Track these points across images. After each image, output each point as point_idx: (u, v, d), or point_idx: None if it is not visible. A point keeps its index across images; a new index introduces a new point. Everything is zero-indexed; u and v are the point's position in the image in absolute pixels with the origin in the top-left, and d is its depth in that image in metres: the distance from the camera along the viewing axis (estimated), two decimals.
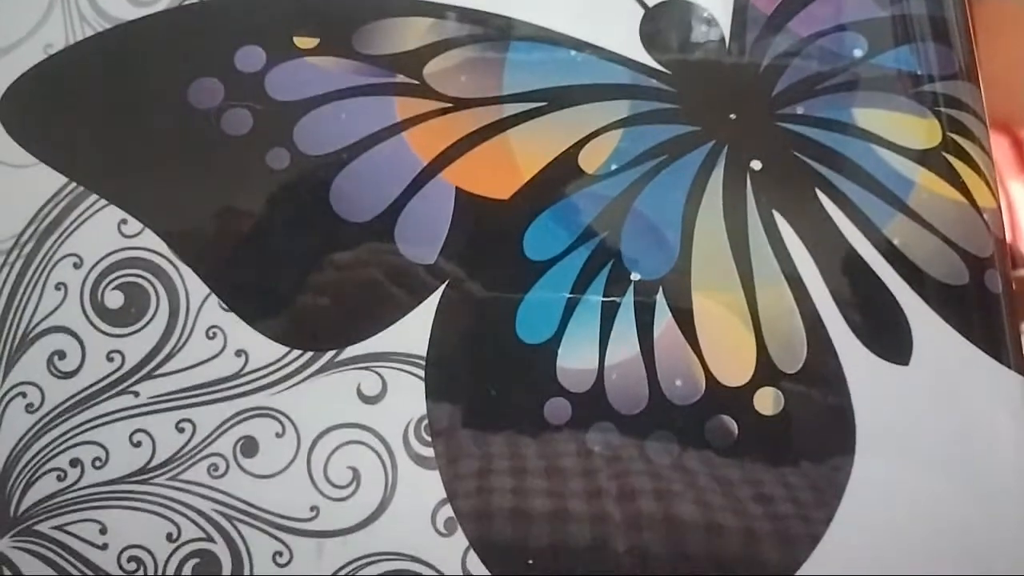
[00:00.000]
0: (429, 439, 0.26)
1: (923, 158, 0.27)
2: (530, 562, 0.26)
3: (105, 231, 0.27)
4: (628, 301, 0.27)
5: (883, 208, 0.27)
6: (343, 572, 0.26)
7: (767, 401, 0.26)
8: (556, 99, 0.27)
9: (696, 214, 0.27)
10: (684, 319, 0.26)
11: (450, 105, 0.27)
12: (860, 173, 0.27)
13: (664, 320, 0.26)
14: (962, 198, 0.27)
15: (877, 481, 0.26)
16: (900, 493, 0.26)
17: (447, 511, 0.26)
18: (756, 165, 0.27)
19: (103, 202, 0.27)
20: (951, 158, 0.27)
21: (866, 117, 0.27)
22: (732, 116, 0.28)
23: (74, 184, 0.27)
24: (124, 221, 0.27)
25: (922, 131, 0.27)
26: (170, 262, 0.27)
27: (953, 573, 0.26)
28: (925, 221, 0.27)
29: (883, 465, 0.26)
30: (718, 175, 0.27)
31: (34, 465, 0.27)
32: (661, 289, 0.27)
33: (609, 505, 0.26)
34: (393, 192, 0.27)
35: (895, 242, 0.27)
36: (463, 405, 0.26)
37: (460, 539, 0.26)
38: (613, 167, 0.27)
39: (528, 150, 0.27)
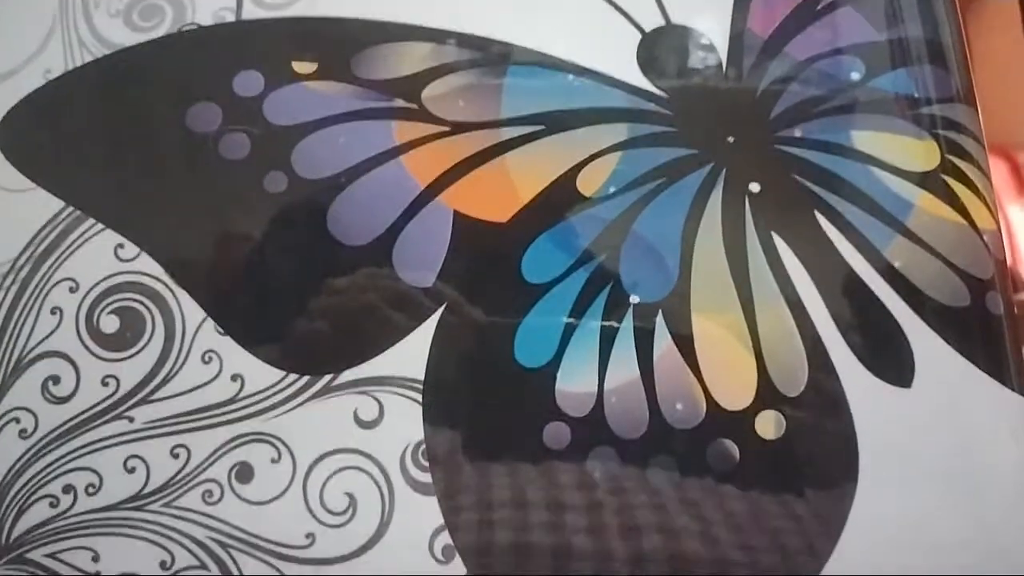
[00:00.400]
0: (426, 464, 0.26)
1: (922, 180, 0.27)
2: None
3: (101, 255, 0.27)
4: (627, 324, 0.26)
5: (883, 230, 0.27)
6: None
7: (768, 425, 0.26)
8: (554, 123, 0.28)
9: (695, 237, 0.27)
10: (684, 342, 0.26)
11: (448, 129, 0.27)
12: (859, 195, 0.27)
13: (664, 343, 0.26)
14: (962, 220, 0.27)
15: (880, 505, 0.25)
16: (903, 516, 0.26)
17: (444, 538, 0.26)
18: (755, 188, 0.27)
19: (100, 226, 0.27)
20: (950, 180, 0.27)
21: (864, 139, 0.27)
22: (730, 139, 0.28)
23: (71, 208, 0.27)
24: (121, 245, 0.27)
25: (920, 153, 0.27)
26: (166, 286, 0.27)
27: None
28: (925, 243, 0.27)
29: (886, 488, 0.26)
30: (716, 198, 0.27)
31: (27, 491, 0.26)
32: (660, 312, 0.26)
33: (608, 531, 0.26)
34: (391, 216, 0.27)
35: (895, 264, 0.27)
36: (461, 430, 0.26)
37: (458, 566, 0.26)
38: (611, 190, 0.27)
39: (526, 173, 0.27)
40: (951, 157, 0.27)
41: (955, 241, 0.27)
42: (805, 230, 0.27)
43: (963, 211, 0.27)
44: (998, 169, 0.27)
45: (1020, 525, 0.25)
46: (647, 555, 0.25)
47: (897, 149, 0.27)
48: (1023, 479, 0.26)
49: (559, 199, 0.27)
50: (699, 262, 0.27)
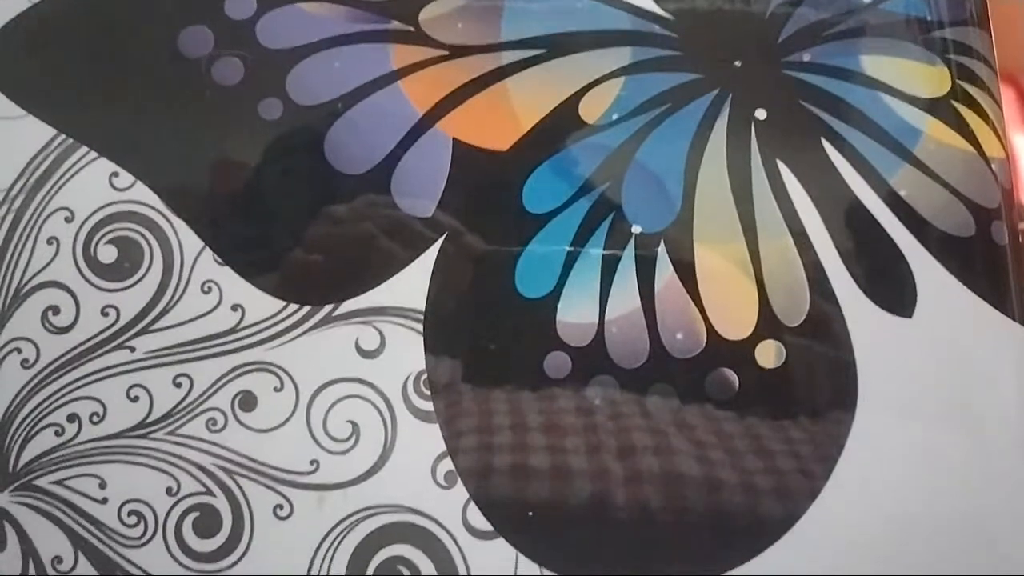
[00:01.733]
0: (428, 393, 0.26)
1: (931, 107, 0.27)
2: (531, 514, 0.26)
3: (96, 184, 0.27)
4: (629, 254, 0.26)
5: (890, 158, 0.26)
6: (344, 524, 0.26)
7: (769, 354, 0.26)
8: (556, 46, 0.27)
9: (699, 165, 0.26)
10: (686, 272, 0.26)
11: (446, 53, 0.27)
12: (867, 122, 0.26)
13: (665, 273, 0.26)
14: (970, 148, 0.26)
15: (878, 434, 0.26)
16: (901, 446, 0.26)
17: (447, 464, 0.26)
18: (761, 114, 0.27)
19: (93, 154, 0.27)
20: (960, 106, 0.27)
21: (874, 64, 0.27)
22: (737, 63, 0.27)
23: (63, 136, 0.27)
24: (115, 174, 0.27)
25: (931, 79, 0.27)
26: (163, 216, 0.27)
27: (953, 528, 0.26)
28: (932, 172, 0.26)
29: (884, 418, 0.26)
30: (722, 125, 0.27)
31: (31, 420, 0.26)
32: (662, 242, 0.26)
33: (608, 458, 0.26)
34: (389, 143, 0.26)
35: (901, 193, 0.26)
36: (462, 360, 0.26)
37: (460, 492, 0.26)
38: (614, 117, 0.27)
39: (527, 99, 0.27)
40: (962, 83, 0.27)
41: (963, 170, 0.26)
42: (811, 158, 0.26)
43: (972, 139, 0.26)
44: (1005, 96, 0.26)
45: (1018, 455, 0.26)
46: (643, 474, 0.26)
47: (907, 75, 0.27)
48: (1022, 410, 0.26)
49: (561, 126, 0.26)
50: (702, 191, 0.26)
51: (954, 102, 0.27)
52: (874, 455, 0.26)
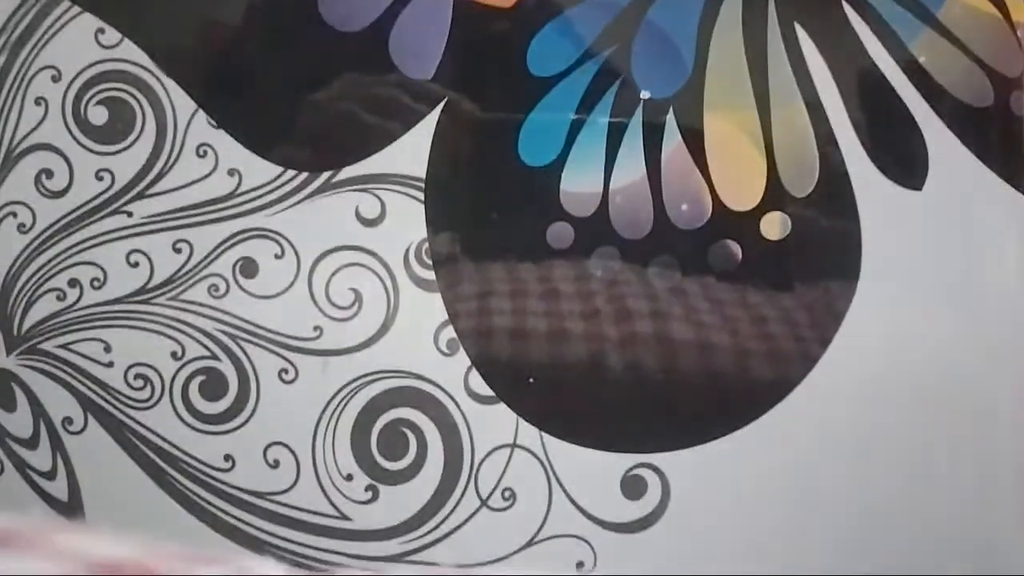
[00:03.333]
0: (430, 262, 0.26)
1: None
2: (531, 380, 0.26)
3: (82, 41, 0.26)
4: (636, 121, 0.25)
5: (912, 23, 0.25)
6: (349, 388, 0.26)
7: (774, 225, 0.26)
8: None
9: (713, 27, 0.25)
10: (694, 141, 0.25)
11: None
12: None
13: (673, 141, 0.25)
14: (996, 12, 0.25)
15: (879, 306, 0.26)
16: (902, 320, 0.26)
17: (449, 332, 0.26)
18: None
19: (77, 9, 0.25)
20: None
21: None
22: None
23: None
24: (101, 30, 0.26)
25: None
26: (153, 75, 0.26)
27: (951, 395, 0.26)
28: (955, 37, 0.25)
29: (887, 292, 0.26)
30: None
31: (33, 285, 0.26)
32: (672, 108, 0.25)
33: (606, 324, 0.26)
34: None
35: (920, 60, 0.25)
36: (463, 230, 0.26)
37: (462, 358, 0.26)
38: None
39: None
40: None
41: (987, 35, 0.25)
42: (830, 22, 0.25)
43: (998, 2, 0.25)
44: None
45: (1018, 327, 0.26)
46: (637, 337, 0.26)
47: None
48: None
49: None
50: (715, 55, 0.25)
51: None
52: (874, 325, 0.26)
